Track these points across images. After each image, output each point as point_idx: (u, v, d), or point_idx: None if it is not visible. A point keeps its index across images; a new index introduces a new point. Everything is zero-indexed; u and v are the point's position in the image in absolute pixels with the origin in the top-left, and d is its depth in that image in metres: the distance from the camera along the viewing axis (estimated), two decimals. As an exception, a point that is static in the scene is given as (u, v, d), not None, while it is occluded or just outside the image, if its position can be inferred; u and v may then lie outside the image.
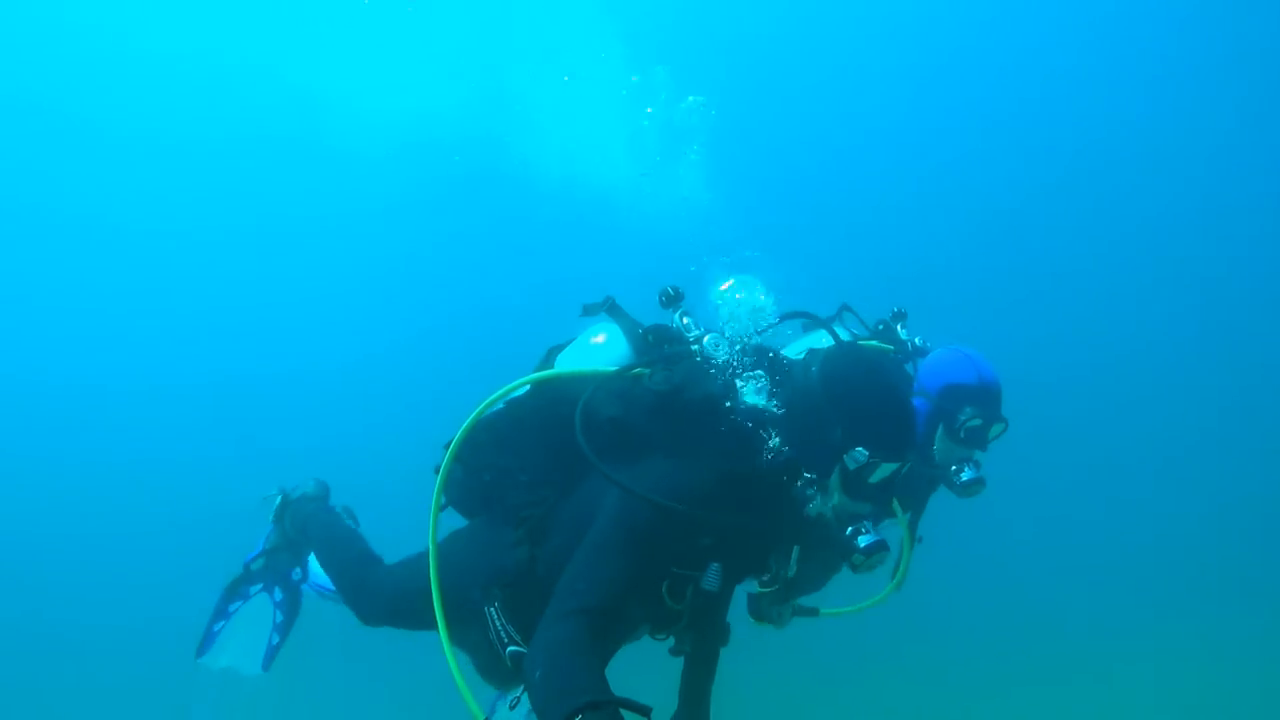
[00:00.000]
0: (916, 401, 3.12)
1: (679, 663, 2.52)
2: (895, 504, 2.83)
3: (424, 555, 2.77)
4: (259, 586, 3.54)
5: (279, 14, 12.74)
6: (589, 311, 2.75)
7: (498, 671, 2.60)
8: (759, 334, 2.49)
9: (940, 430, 3.15)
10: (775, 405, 2.28)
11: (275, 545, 3.56)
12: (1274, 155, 14.94)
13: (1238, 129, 14.86)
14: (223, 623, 3.50)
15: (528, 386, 2.61)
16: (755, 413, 2.29)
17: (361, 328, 14.28)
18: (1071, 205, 15.23)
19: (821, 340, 2.60)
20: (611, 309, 2.71)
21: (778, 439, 2.24)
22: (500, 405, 2.63)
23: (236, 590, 3.53)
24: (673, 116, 3.25)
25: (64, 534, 11.60)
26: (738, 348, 2.44)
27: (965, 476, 3.13)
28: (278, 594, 3.54)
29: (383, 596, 3.03)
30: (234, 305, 14.11)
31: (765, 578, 2.47)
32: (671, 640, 2.56)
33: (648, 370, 2.43)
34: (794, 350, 2.54)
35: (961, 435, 3.11)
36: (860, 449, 2.16)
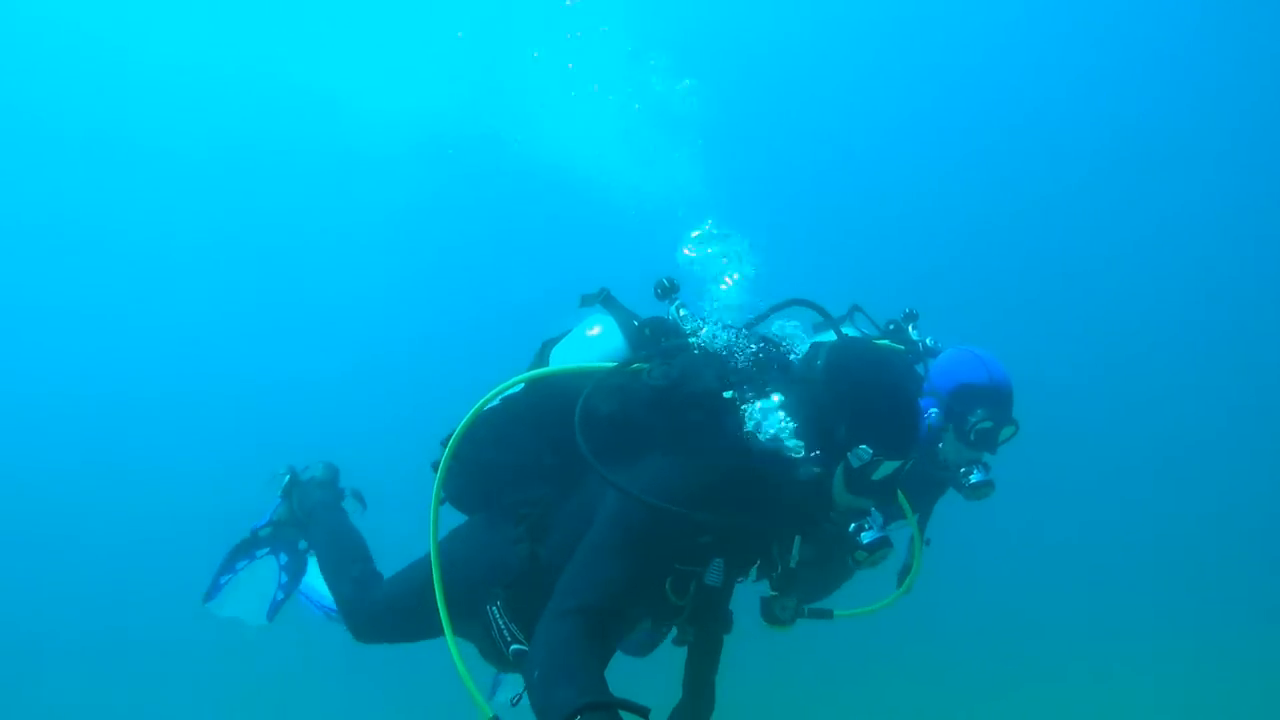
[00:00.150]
0: (926, 401, 3.13)
1: (679, 657, 2.51)
2: (905, 505, 2.81)
3: (423, 559, 2.79)
4: (265, 550, 3.56)
5: (279, 15, 12.76)
6: (586, 302, 2.72)
7: (499, 663, 2.59)
8: (759, 320, 2.47)
9: (950, 431, 3.12)
10: (777, 400, 2.25)
11: (282, 519, 3.55)
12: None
13: (1245, 130, 14.84)
14: (229, 576, 3.53)
15: (525, 383, 2.58)
16: (756, 406, 2.26)
17: (360, 328, 14.27)
18: (1069, 204, 15.21)
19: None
20: (606, 300, 2.68)
21: (780, 434, 2.22)
22: (497, 401, 2.59)
23: (243, 551, 3.55)
24: (669, 104, 3.23)
25: (69, 537, 11.59)
26: (737, 338, 2.41)
27: (974, 479, 3.09)
28: (283, 558, 3.55)
29: (381, 603, 3.00)
30: (233, 305, 14.11)
31: (774, 574, 2.45)
32: (674, 631, 2.55)
33: (646, 365, 2.40)
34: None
35: (971, 437, 3.08)
36: (864, 446, 2.14)
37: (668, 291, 2.56)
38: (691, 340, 2.44)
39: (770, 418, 2.25)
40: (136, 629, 9.67)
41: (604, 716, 1.73)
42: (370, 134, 13.01)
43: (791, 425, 2.22)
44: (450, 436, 2.63)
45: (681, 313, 2.53)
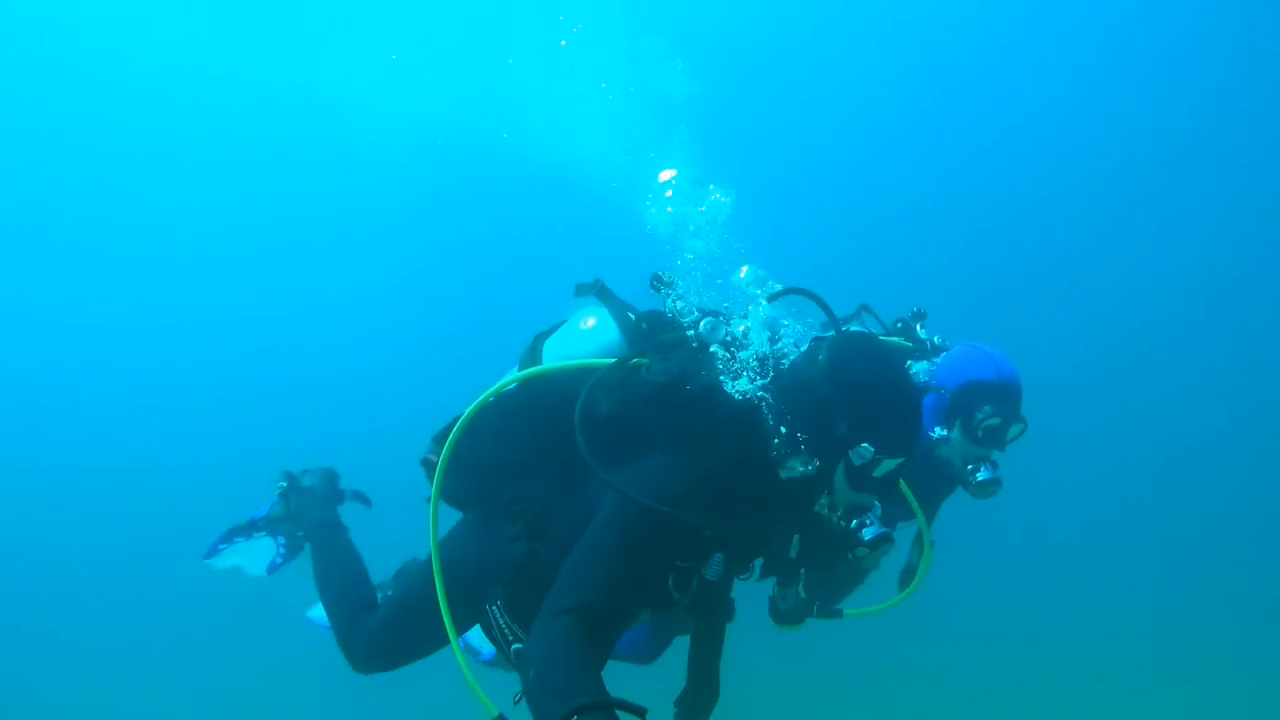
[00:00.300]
0: (934, 398, 3.12)
1: (681, 648, 2.50)
2: (914, 504, 2.79)
3: (416, 572, 2.79)
4: (263, 533, 3.57)
5: (279, 16, 12.75)
6: (581, 291, 2.69)
7: (501, 664, 2.58)
8: (759, 304, 2.44)
9: (957, 428, 3.10)
10: (778, 394, 2.24)
11: (278, 516, 3.54)
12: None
13: (1245, 130, 14.80)
14: (226, 545, 3.57)
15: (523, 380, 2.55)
16: (757, 402, 2.25)
17: (359, 327, 14.26)
18: (1068, 204, 15.18)
19: None
20: (600, 292, 2.65)
21: (781, 431, 2.20)
22: (493, 398, 2.56)
23: (240, 531, 3.57)
24: (663, 92, 3.20)
25: (69, 538, 11.58)
26: (736, 330, 2.39)
27: (981, 476, 3.07)
28: (281, 540, 3.56)
29: (377, 629, 2.94)
30: (233, 304, 14.09)
31: (778, 569, 2.44)
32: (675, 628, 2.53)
33: (645, 360, 2.37)
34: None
35: (979, 434, 3.06)
36: (865, 444, 2.12)
37: (663, 284, 2.54)
38: (689, 333, 2.41)
39: (771, 413, 2.23)
40: (136, 631, 9.66)
41: (601, 716, 1.72)
42: (371, 134, 13.00)
43: (792, 421, 2.20)
44: (444, 432, 2.60)
45: (678, 305, 2.50)
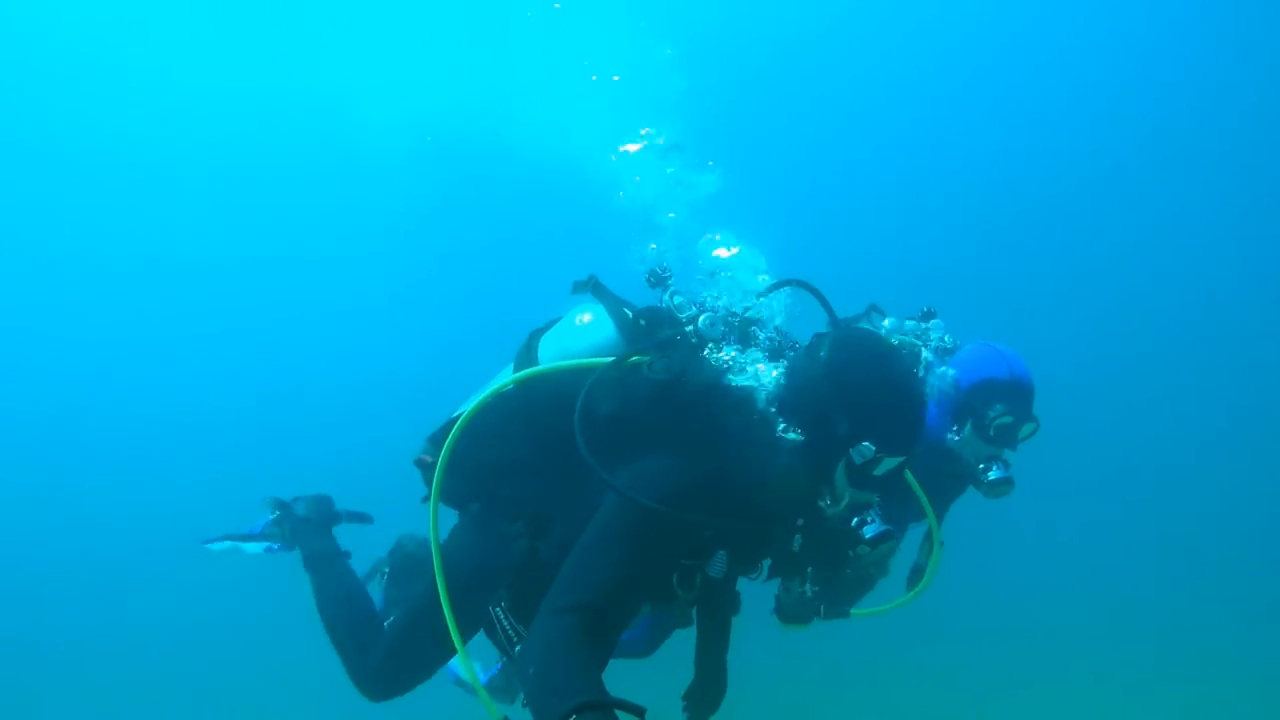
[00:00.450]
0: (943, 398, 3.10)
1: (683, 643, 2.50)
2: (926, 504, 2.77)
3: (417, 588, 2.78)
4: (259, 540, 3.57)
5: (281, 19, 12.76)
6: (578, 289, 2.68)
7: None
8: (757, 299, 2.43)
9: (969, 427, 3.09)
10: (779, 391, 2.22)
11: (272, 535, 3.52)
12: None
13: (1245, 130, 14.79)
14: (220, 542, 3.60)
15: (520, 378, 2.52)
16: (757, 398, 2.24)
17: (357, 330, 14.26)
18: (1068, 203, 15.15)
19: None
20: (595, 288, 2.63)
21: (781, 427, 2.19)
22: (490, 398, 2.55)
23: (235, 536, 3.57)
24: (654, 84, 3.18)
25: (78, 543, 11.58)
26: (735, 323, 2.37)
27: (993, 475, 3.06)
28: (275, 545, 3.53)
29: (385, 656, 2.91)
30: (234, 308, 14.10)
31: (782, 565, 2.43)
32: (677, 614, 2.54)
33: (646, 358, 2.34)
34: None
35: (991, 433, 3.04)
36: (866, 443, 2.10)
37: (660, 279, 2.52)
38: (688, 329, 2.40)
39: (771, 411, 2.22)
40: (138, 633, 9.66)
41: (600, 716, 1.70)
42: (369, 135, 13.01)
43: (793, 419, 2.18)
44: (441, 433, 2.59)
45: (675, 300, 2.48)
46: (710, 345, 2.35)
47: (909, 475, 2.63)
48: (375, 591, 3.43)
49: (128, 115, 13.50)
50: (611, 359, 2.37)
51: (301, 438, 12.41)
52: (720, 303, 2.45)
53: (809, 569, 2.45)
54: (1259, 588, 9.64)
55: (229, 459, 12.22)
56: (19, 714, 8.85)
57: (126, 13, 12.73)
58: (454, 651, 2.39)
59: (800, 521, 2.29)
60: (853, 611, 2.89)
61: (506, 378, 2.57)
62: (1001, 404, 3.02)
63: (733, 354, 2.33)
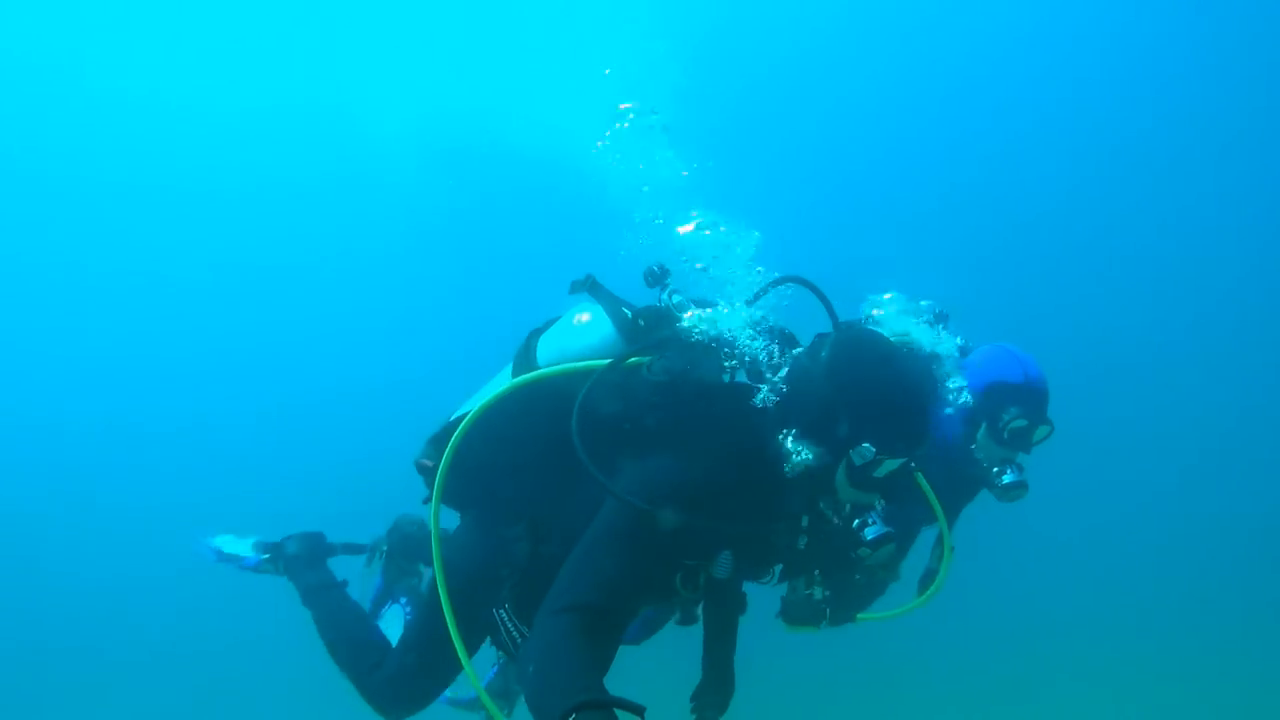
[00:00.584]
0: (955, 400, 3.06)
1: (687, 644, 2.49)
2: (937, 507, 2.74)
3: (426, 598, 2.78)
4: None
5: (286, 24, 12.78)
6: (576, 289, 2.66)
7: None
8: (754, 299, 2.41)
9: (982, 430, 3.04)
10: (780, 391, 2.21)
11: (266, 571, 3.52)
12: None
13: (1245, 132, 14.73)
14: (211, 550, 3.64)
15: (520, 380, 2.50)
16: (759, 399, 2.23)
17: (358, 334, 14.25)
18: (1067, 201, 15.08)
19: None
20: (593, 288, 2.61)
21: (781, 429, 2.17)
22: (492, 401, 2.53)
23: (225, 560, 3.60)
24: (638, 76, 3.16)
25: (82, 546, 11.58)
26: (737, 322, 2.35)
27: (1007, 479, 3.02)
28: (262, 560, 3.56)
29: (396, 672, 2.90)
30: (241, 316, 14.11)
31: (789, 564, 2.40)
32: (677, 615, 2.54)
33: (646, 359, 2.33)
34: None
35: (1005, 436, 3.00)
36: (867, 444, 2.08)
37: (658, 278, 2.50)
38: (688, 327, 2.38)
39: (772, 411, 2.21)
40: (142, 644, 9.67)
41: (599, 715, 1.69)
42: (371, 139, 13.03)
43: (794, 419, 2.17)
44: (441, 435, 2.58)
45: (674, 299, 2.46)
46: (710, 345, 2.33)
47: (920, 478, 2.62)
48: (374, 570, 3.43)
49: (130, 119, 13.50)
50: (608, 361, 2.35)
51: (303, 440, 12.41)
52: (720, 301, 2.44)
53: (816, 572, 2.42)
54: (1270, 590, 9.59)
55: (230, 461, 12.23)
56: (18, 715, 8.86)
57: (129, 19, 12.76)
58: (459, 667, 2.37)
59: (802, 523, 2.27)
60: (861, 616, 2.86)
61: (506, 378, 2.55)
62: (1016, 407, 2.99)
63: (733, 353, 2.31)
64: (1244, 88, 14.44)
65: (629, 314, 2.51)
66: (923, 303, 3.24)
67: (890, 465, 2.13)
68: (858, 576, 2.44)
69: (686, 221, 2.63)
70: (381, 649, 3.06)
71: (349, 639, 3.11)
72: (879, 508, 2.22)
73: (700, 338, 2.35)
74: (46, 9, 12.47)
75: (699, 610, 2.48)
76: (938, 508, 2.74)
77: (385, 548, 3.38)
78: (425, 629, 2.78)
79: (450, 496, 2.60)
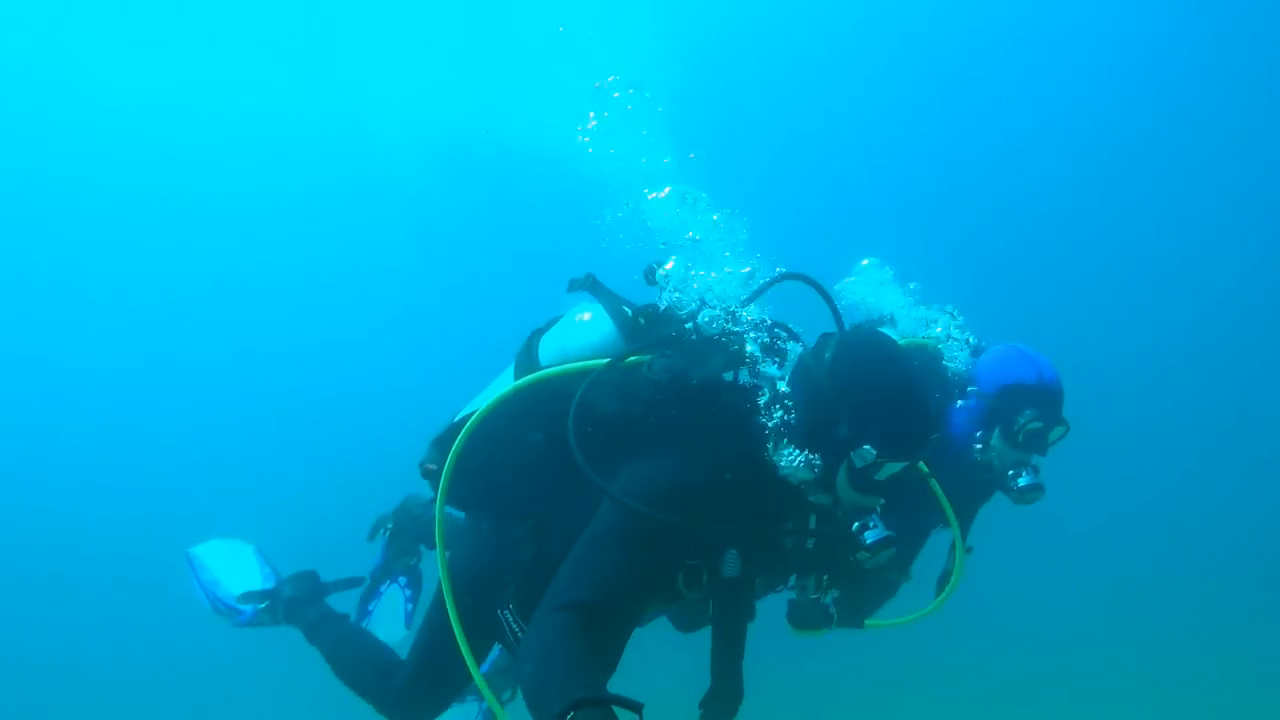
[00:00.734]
0: (969, 403, 3.04)
1: (699, 652, 2.46)
2: (949, 510, 2.71)
3: (430, 607, 2.78)
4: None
5: (292, 30, 12.79)
6: (574, 287, 2.65)
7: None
8: (753, 297, 2.39)
9: (996, 433, 3.00)
10: (782, 391, 2.18)
11: (264, 624, 3.51)
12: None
13: (1244, 134, 14.69)
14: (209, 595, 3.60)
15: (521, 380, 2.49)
16: (760, 398, 2.20)
17: (359, 337, 14.23)
18: (1066, 201, 15.03)
19: None
20: (593, 286, 2.60)
21: (782, 430, 2.15)
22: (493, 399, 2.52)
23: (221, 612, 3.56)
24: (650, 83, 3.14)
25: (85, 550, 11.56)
26: (739, 320, 2.33)
27: (1023, 482, 2.98)
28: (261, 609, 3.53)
29: (407, 679, 2.90)
30: (246, 319, 14.10)
31: (806, 582, 2.39)
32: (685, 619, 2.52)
33: (646, 358, 2.32)
34: None
35: (1020, 439, 2.96)
36: (868, 447, 2.04)
37: (659, 277, 2.47)
38: (688, 326, 2.37)
39: (772, 412, 2.18)
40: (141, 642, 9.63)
41: (596, 713, 1.66)
42: (385, 148, 13.05)
43: (795, 420, 2.14)
44: (445, 437, 2.57)
45: (675, 297, 2.44)
46: (710, 343, 2.31)
47: (934, 483, 2.59)
48: (376, 545, 3.44)
49: (137, 123, 13.50)
50: (609, 360, 2.34)
51: (308, 444, 12.40)
52: (723, 301, 2.41)
53: (824, 576, 2.40)
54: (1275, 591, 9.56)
55: (235, 465, 12.22)
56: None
57: (138, 25, 12.78)
58: (476, 661, 2.36)
59: (803, 525, 2.25)
60: (869, 623, 2.82)
61: (508, 379, 2.54)
62: (1031, 410, 2.95)
63: (735, 352, 2.29)
64: (1243, 88, 14.40)
65: (629, 312, 2.50)
66: (911, 285, 3.22)
67: (892, 469, 2.10)
68: (866, 579, 2.41)
69: (662, 192, 2.60)
70: (390, 659, 3.06)
71: (357, 660, 3.11)
72: (880, 511, 2.19)
73: (701, 336, 2.34)
74: (60, 16, 12.48)
75: (709, 613, 2.45)
76: (949, 512, 2.71)
77: (391, 526, 3.37)
78: (433, 632, 2.77)
79: (454, 498, 2.59)
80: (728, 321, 2.35)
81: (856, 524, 2.16)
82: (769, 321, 2.37)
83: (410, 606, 3.39)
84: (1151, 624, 9.25)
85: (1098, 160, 14.90)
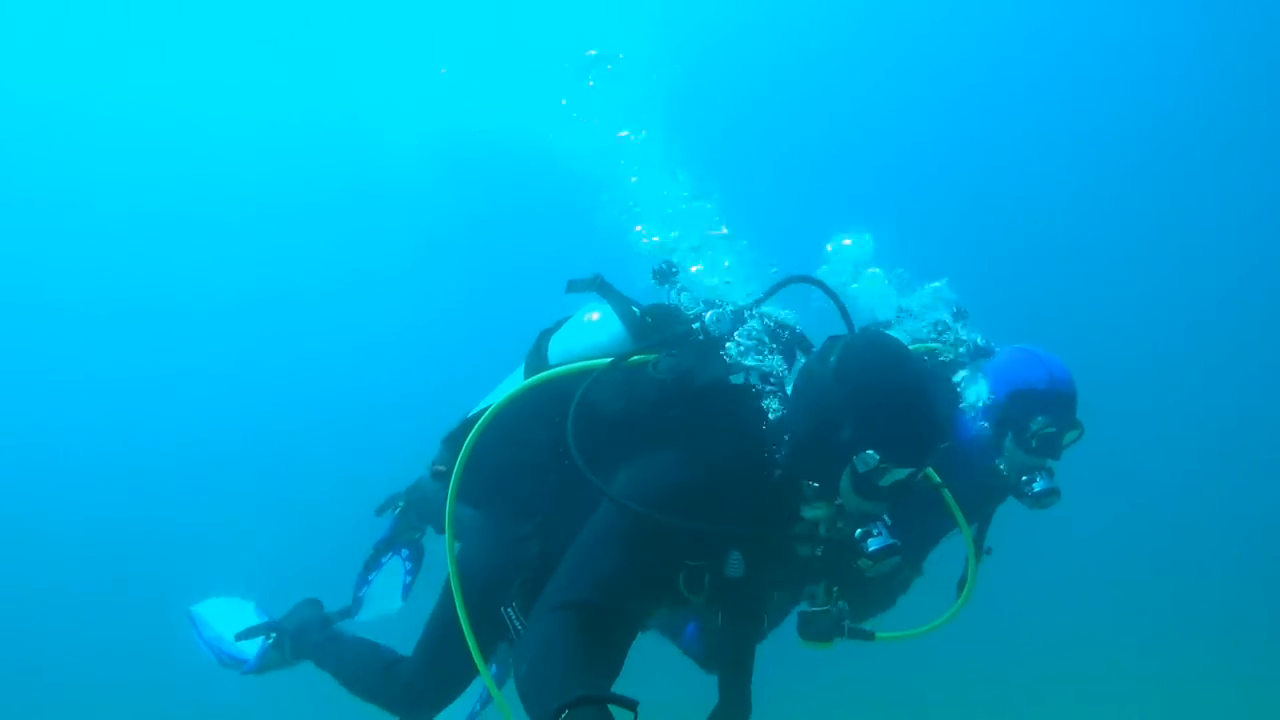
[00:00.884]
0: (980, 411, 3.00)
1: (695, 669, 2.43)
2: (959, 514, 2.67)
3: (436, 606, 2.83)
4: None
5: (295, 38, 12.80)
6: (573, 288, 2.65)
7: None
8: (764, 298, 2.39)
9: (1009, 438, 2.96)
10: (787, 392, 2.18)
11: (271, 662, 3.50)
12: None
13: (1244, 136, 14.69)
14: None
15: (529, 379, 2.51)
16: (764, 399, 2.19)
17: (363, 341, 14.24)
18: (1067, 199, 15.06)
19: None
20: (601, 287, 2.60)
21: (785, 430, 2.14)
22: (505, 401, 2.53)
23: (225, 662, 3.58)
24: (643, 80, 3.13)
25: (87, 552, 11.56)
26: (746, 321, 2.32)
27: (1038, 487, 2.94)
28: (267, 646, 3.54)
29: (412, 673, 2.93)
30: (249, 323, 14.12)
31: (817, 590, 2.37)
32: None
33: (651, 357, 2.32)
34: None
35: (1033, 444, 2.92)
36: (870, 451, 2.00)
37: (666, 275, 2.48)
38: (695, 326, 2.36)
39: (775, 414, 2.17)
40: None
41: (592, 712, 1.65)
42: (389, 153, 13.05)
43: (798, 422, 2.13)
44: (455, 435, 2.57)
45: (683, 297, 2.44)
46: (717, 343, 2.31)
47: (946, 494, 2.57)
48: (384, 518, 3.45)
49: (142, 128, 13.55)
50: (613, 359, 2.35)
51: (312, 448, 12.42)
52: (729, 299, 2.41)
53: (833, 585, 2.38)
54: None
55: (239, 468, 12.23)
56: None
57: (143, 31, 12.81)
58: (484, 657, 2.37)
59: (811, 529, 2.22)
60: (881, 635, 2.76)
61: (518, 379, 2.55)
62: (1043, 416, 2.91)
63: (742, 352, 2.29)
64: (1242, 87, 14.39)
65: (637, 312, 2.50)
66: (898, 270, 3.21)
67: (897, 475, 2.06)
68: (868, 588, 2.39)
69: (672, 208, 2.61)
70: (391, 654, 3.09)
71: (362, 664, 3.16)
72: (886, 518, 2.15)
73: (708, 336, 2.33)
74: (64, 19, 12.49)
75: (714, 614, 2.45)
76: (963, 523, 2.67)
77: (402, 503, 3.38)
78: (442, 627, 2.79)
79: (464, 494, 2.60)
80: (736, 322, 2.33)
81: (859, 531, 2.12)
82: (777, 323, 2.36)
83: (409, 579, 3.41)
84: (1158, 625, 9.24)
85: (1098, 160, 14.91)
